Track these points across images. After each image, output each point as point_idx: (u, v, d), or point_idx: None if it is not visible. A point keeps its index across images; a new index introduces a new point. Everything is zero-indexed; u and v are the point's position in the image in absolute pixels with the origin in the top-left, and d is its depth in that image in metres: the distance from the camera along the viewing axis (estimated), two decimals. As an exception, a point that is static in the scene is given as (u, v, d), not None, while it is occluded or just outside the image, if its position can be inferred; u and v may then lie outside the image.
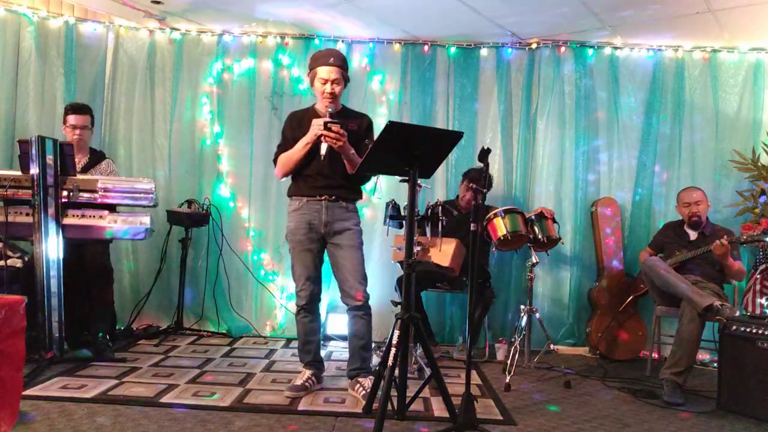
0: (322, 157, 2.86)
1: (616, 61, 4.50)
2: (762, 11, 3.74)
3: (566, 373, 3.50)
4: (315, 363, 3.10)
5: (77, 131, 3.71)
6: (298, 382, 3.01)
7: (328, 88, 2.90)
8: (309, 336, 3.07)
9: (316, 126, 2.83)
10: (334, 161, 2.92)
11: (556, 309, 4.46)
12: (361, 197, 3.12)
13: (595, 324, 4.23)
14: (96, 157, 3.85)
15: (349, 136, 2.86)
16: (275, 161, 3.06)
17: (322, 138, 2.80)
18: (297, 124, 3.02)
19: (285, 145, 3.03)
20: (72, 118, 3.72)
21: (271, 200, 4.57)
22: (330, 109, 2.91)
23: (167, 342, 4.07)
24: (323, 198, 2.96)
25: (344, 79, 2.96)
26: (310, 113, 3.03)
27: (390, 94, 4.59)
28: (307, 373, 3.06)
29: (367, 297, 2.98)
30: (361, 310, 2.96)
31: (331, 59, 2.90)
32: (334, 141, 2.79)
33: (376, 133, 2.46)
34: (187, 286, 4.42)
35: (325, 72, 2.90)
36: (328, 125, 2.77)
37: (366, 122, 3.08)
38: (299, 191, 3.02)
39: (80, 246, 3.54)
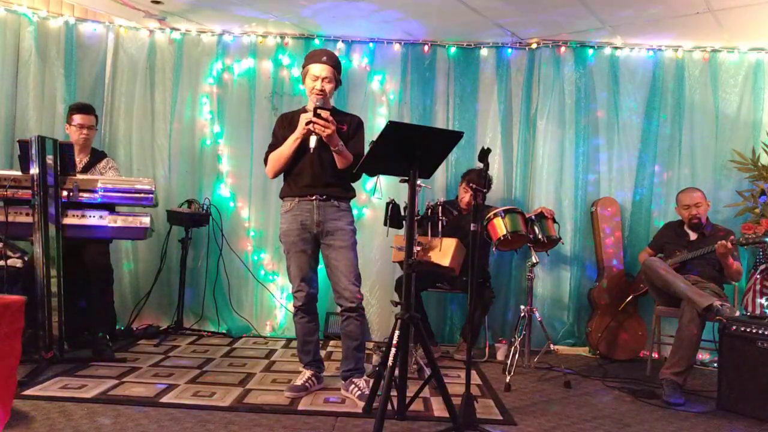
0: (311, 150, 2.85)
1: (616, 61, 4.50)
2: (762, 11, 3.74)
3: (566, 373, 3.50)
4: (315, 363, 3.09)
5: (84, 131, 3.73)
6: (299, 382, 3.01)
7: (318, 84, 2.90)
8: (307, 336, 3.06)
9: (305, 118, 2.83)
10: (323, 159, 2.91)
11: (556, 309, 4.46)
12: (354, 195, 3.09)
13: (595, 324, 4.23)
14: (97, 157, 3.85)
15: (339, 136, 2.86)
16: (266, 161, 3.06)
17: (312, 126, 2.79)
18: (288, 123, 3.03)
19: (275, 144, 3.03)
20: (78, 118, 3.74)
21: (271, 200, 4.57)
22: (318, 103, 2.90)
23: (167, 342, 4.07)
24: (314, 198, 2.95)
25: (336, 80, 2.96)
26: (301, 113, 3.03)
27: (390, 94, 4.59)
28: (308, 373, 3.06)
29: (360, 298, 2.97)
30: (354, 312, 2.95)
31: (324, 58, 2.91)
32: (323, 128, 2.77)
33: (375, 134, 2.46)
34: (187, 286, 4.42)
35: (317, 69, 2.90)
36: (318, 111, 2.77)
37: (355, 121, 3.07)
38: (290, 192, 3.01)
39: (80, 246, 3.55)
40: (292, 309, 4.44)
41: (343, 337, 3.02)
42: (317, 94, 2.91)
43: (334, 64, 2.94)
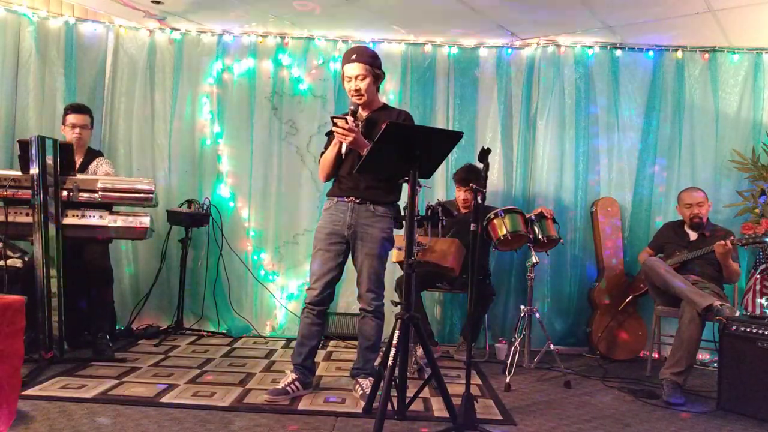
0: (343, 155, 2.85)
1: (616, 61, 4.50)
2: (762, 11, 3.74)
3: (566, 373, 3.50)
4: (302, 368, 2.99)
5: (77, 130, 3.72)
6: (280, 385, 2.93)
7: (352, 85, 2.89)
8: (305, 339, 3.00)
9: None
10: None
11: (556, 309, 4.46)
12: (396, 199, 3.03)
13: (595, 324, 4.23)
14: (91, 156, 3.84)
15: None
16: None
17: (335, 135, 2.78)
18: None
19: (326, 147, 3.03)
20: (72, 117, 3.73)
21: (271, 200, 4.57)
22: (352, 107, 2.89)
23: (167, 342, 4.06)
24: (350, 200, 2.94)
25: (372, 74, 2.90)
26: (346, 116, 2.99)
27: (390, 94, 4.59)
28: (292, 376, 2.97)
29: (377, 304, 2.95)
30: (369, 314, 2.95)
31: (354, 56, 2.88)
32: (343, 137, 2.77)
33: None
34: (187, 286, 4.41)
35: (348, 70, 2.89)
36: (333, 120, 2.74)
37: (402, 117, 2.98)
38: (333, 192, 3.02)
39: (80, 246, 3.54)
40: (292, 309, 4.50)
41: (359, 334, 3.03)
42: (353, 95, 2.90)
43: (366, 59, 2.88)
